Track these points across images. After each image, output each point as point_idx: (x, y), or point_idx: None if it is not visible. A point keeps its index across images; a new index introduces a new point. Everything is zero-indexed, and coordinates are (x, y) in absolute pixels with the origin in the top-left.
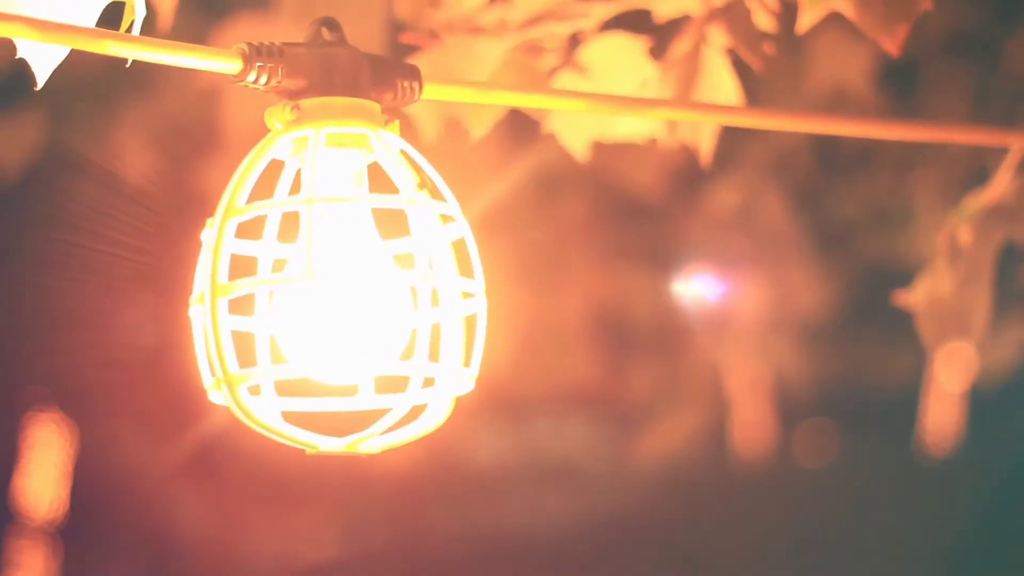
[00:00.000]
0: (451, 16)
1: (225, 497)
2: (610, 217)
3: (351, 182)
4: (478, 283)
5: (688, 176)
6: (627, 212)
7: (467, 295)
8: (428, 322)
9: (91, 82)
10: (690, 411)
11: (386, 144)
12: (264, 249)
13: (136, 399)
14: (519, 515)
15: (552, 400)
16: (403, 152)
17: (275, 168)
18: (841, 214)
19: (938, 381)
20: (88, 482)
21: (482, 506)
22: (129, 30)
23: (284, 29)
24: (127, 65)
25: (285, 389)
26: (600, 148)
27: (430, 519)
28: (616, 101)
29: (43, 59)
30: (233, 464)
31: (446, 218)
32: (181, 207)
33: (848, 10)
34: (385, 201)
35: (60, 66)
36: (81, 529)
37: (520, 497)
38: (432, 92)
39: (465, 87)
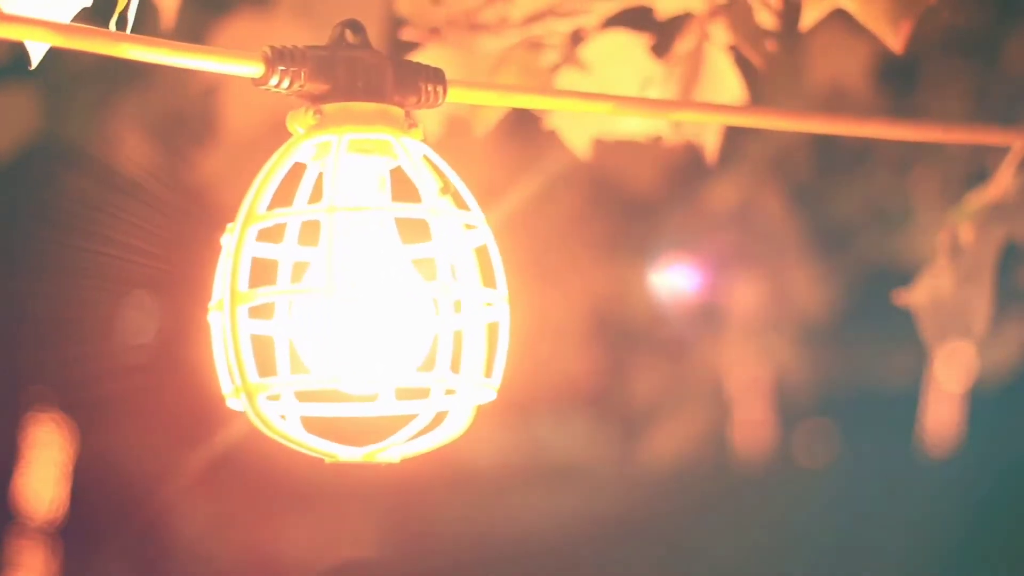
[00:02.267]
0: (452, 12)
1: (225, 497)
2: (609, 215)
3: (373, 188)
4: (500, 292)
5: (688, 174)
6: (626, 209)
7: (489, 303)
8: (449, 331)
9: (85, 68)
10: (691, 411)
11: (409, 151)
12: (285, 252)
13: (136, 399)
14: (519, 516)
15: (553, 400)
16: (426, 158)
17: (296, 169)
18: (841, 213)
19: (938, 381)
20: (88, 482)
21: (483, 507)
22: (123, 16)
23: (284, 27)
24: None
25: (305, 395)
26: (601, 145)
27: (431, 520)
28: (636, 103)
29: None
30: (233, 464)
31: (469, 225)
32: (179, 201)
33: (852, 6)
34: (408, 210)
35: (53, 51)
36: (81, 529)
37: (520, 498)
38: (456, 96)
39: (489, 90)
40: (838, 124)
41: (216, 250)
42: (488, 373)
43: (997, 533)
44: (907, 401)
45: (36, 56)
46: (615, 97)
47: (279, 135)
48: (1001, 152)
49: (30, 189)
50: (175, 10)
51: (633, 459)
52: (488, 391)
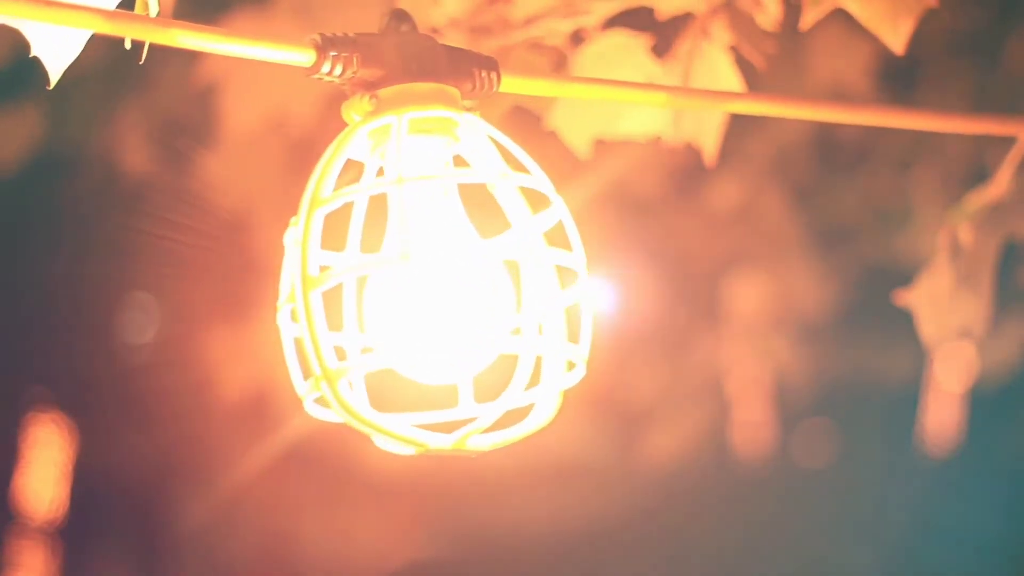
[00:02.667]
0: (452, 13)
1: (226, 496)
2: (610, 215)
3: (438, 167)
4: (581, 261)
5: (688, 174)
6: (627, 209)
7: (570, 269)
8: (534, 303)
9: (89, 77)
10: (691, 411)
11: (473, 127)
12: (347, 259)
13: (137, 399)
14: (519, 515)
15: None
16: (490, 137)
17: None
18: (841, 212)
19: (938, 380)
20: (88, 482)
21: (483, 506)
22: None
23: (283, 27)
24: (140, 61)
25: (378, 404)
26: (601, 144)
27: (431, 518)
28: (692, 93)
29: (56, 57)
30: (234, 464)
31: (537, 202)
32: (180, 203)
33: (852, 6)
34: (478, 176)
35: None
36: (81, 529)
37: (522, 497)
38: (510, 84)
39: (542, 79)
40: (846, 112)
41: (218, 251)
42: (575, 340)
43: (997, 533)
44: (907, 401)
45: (55, 74)
46: (667, 87)
47: (279, 136)
48: (1001, 152)
49: (31, 193)
50: (170, 7)
51: (634, 459)
52: (576, 369)
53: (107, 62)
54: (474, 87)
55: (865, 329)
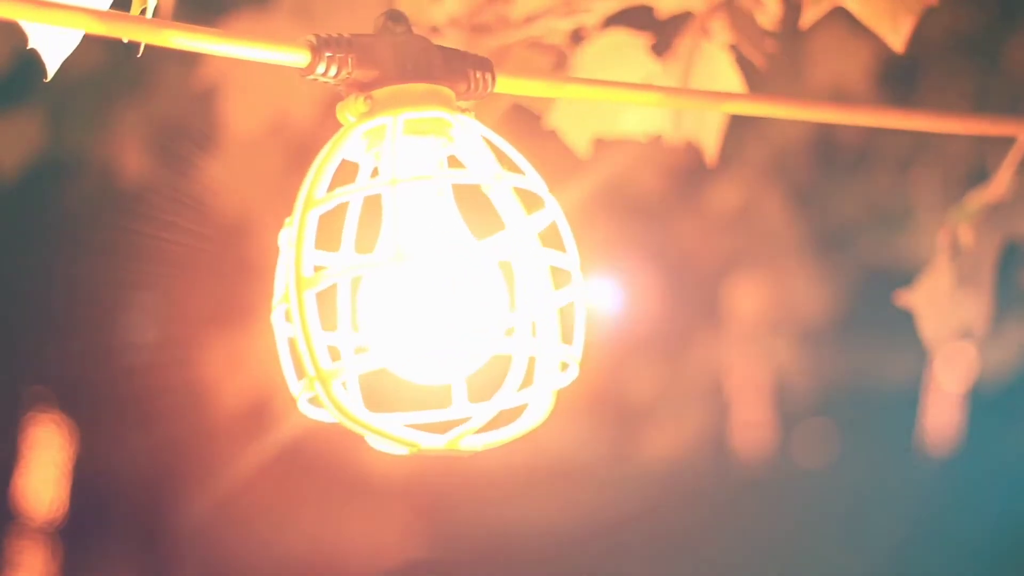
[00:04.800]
0: (452, 12)
1: (224, 497)
2: (610, 215)
3: (432, 167)
4: (575, 262)
5: (688, 175)
6: (627, 210)
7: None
8: (527, 304)
9: (88, 82)
10: (691, 411)
11: (467, 128)
12: (341, 260)
13: (137, 399)
14: (519, 515)
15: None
16: (484, 138)
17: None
18: (841, 214)
19: (938, 381)
20: (88, 482)
21: (482, 506)
22: (141, 15)
23: (283, 27)
24: (138, 54)
25: (373, 404)
26: (601, 144)
27: (429, 519)
28: (686, 94)
29: (53, 49)
30: (233, 464)
31: (532, 204)
32: (180, 207)
33: (853, 5)
34: (472, 177)
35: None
36: (81, 529)
37: (521, 497)
38: (505, 85)
39: (537, 80)
40: (848, 113)
41: (217, 253)
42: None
43: (997, 533)
44: (907, 401)
45: (52, 67)
46: (660, 88)
47: (279, 139)
48: (1001, 153)
49: (33, 195)
50: (171, 6)
51: (634, 459)
52: (570, 370)
53: (106, 66)
54: (469, 88)
55: (865, 329)
